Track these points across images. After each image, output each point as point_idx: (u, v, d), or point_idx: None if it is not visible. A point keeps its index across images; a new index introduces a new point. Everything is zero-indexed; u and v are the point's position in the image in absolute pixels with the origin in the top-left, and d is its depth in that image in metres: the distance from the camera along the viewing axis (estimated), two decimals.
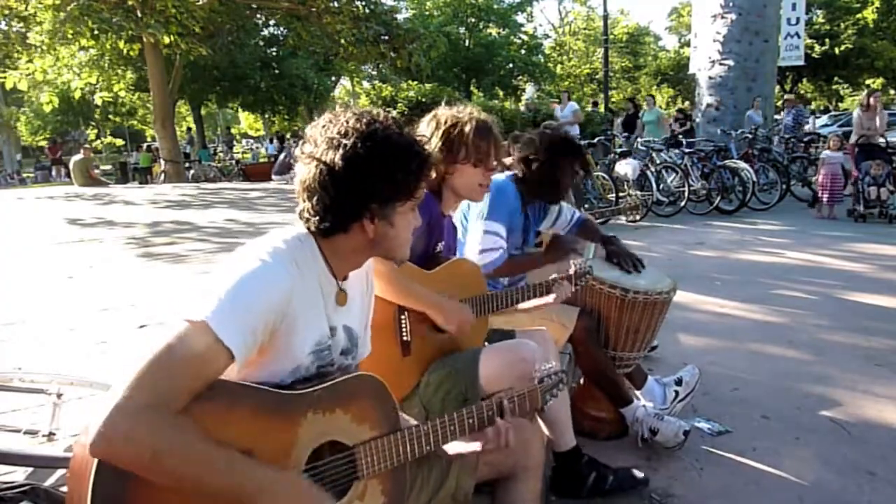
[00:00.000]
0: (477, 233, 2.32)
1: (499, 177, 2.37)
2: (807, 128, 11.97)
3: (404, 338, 1.80)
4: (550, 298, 2.06)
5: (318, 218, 1.20)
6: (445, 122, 1.94)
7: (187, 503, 1.02)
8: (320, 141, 1.18)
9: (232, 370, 1.12)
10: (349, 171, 1.16)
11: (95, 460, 0.93)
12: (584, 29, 34.76)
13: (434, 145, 1.91)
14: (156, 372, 0.97)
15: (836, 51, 25.12)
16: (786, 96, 12.09)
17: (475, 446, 1.37)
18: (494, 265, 2.30)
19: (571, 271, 2.13)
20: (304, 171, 1.20)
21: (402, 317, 1.79)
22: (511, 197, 2.41)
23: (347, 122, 1.18)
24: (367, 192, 1.19)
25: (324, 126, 1.20)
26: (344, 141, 1.16)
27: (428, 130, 1.96)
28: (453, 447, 1.40)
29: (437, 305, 1.78)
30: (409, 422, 1.45)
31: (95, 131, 28.73)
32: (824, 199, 8.20)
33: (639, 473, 2.18)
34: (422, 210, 1.86)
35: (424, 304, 1.77)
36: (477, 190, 2.00)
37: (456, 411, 1.34)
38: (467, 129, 1.92)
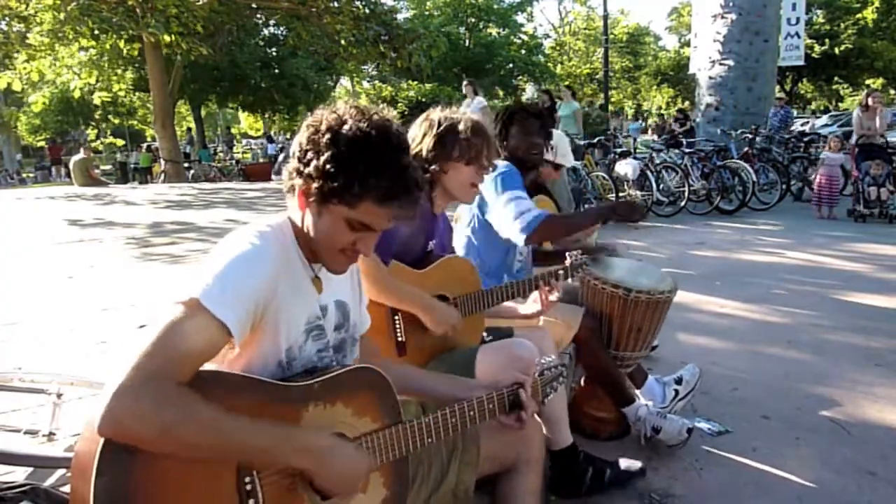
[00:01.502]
0: (503, 207, 2.28)
1: (499, 162, 2.36)
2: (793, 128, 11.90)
3: (399, 338, 1.81)
4: (538, 306, 2.05)
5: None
6: (439, 123, 1.94)
7: (190, 495, 1.02)
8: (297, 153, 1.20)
9: (230, 354, 1.14)
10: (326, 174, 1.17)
11: (97, 456, 0.93)
12: (584, 29, 34.81)
13: (427, 144, 1.92)
14: (155, 351, 0.98)
15: (836, 51, 25.12)
16: (776, 96, 11.98)
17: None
18: (539, 220, 2.24)
19: (567, 262, 2.13)
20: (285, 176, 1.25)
21: (396, 318, 1.80)
22: (516, 173, 2.40)
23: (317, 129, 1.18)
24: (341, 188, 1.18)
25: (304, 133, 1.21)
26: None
27: (421, 130, 1.96)
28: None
29: (424, 307, 1.78)
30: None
31: (95, 131, 28.68)
32: (821, 199, 8.20)
33: (636, 465, 2.18)
34: None
35: (411, 305, 1.77)
36: (469, 190, 2.00)
37: (457, 403, 1.34)
38: (461, 127, 1.93)
